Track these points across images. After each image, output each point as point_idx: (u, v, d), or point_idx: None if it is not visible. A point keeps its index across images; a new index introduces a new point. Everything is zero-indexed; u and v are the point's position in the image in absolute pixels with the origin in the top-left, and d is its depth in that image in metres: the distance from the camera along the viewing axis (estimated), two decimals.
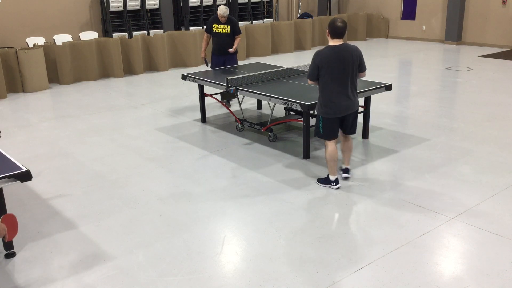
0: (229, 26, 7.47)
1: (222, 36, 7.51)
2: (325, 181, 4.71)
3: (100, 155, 5.76)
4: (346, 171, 4.85)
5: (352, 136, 5.01)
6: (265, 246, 3.68)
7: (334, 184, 4.63)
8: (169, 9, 13.23)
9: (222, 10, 7.36)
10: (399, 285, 3.17)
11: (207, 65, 7.96)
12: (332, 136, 4.57)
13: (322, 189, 4.63)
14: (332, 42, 4.39)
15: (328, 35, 4.41)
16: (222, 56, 7.60)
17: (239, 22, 13.83)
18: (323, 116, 4.50)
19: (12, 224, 3.28)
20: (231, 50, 7.49)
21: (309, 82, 4.53)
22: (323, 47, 4.51)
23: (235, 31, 7.51)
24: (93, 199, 4.59)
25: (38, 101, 8.60)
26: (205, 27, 7.82)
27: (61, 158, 5.72)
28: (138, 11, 12.60)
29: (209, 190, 4.69)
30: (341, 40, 4.39)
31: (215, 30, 7.53)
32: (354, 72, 4.41)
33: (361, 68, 4.48)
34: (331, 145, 4.59)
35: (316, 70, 4.39)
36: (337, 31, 4.32)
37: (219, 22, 7.48)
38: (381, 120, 6.73)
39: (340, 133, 4.71)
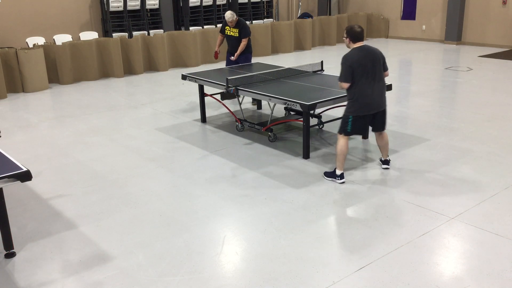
0: (237, 30, 7.56)
1: (232, 39, 7.66)
2: (331, 174, 4.82)
3: (100, 155, 5.76)
4: (386, 162, 5.05)
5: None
6: (265, 246, 3.68)
7: (339, 178, 4.73)
8: (169, 9, 13.23)
9: (227, 16, 7.48)
10: (399, 285, 3.17)
11: (216, 58, 8.13)
12: (360, 133, 4.80)
13: (322, 189, 4.63)
14: (355, 45, 4.60)
15: (349, 42, 4.62)
16: (230, 54, 7.76)
17: None
18: (355, 115, 4.62)
19: None
20: (232, 58, 7.65)
21: (344, 85, 4.56)
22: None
23: (241, 34, 7.56)
24: (93, 199, 4.59)
25: (38, 101, 8.60)
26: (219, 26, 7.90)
27: (61, 158, 5.72)
28: (138, 11, 12.61)
29: (209, 190, 4.69)
30: (362, 42, 4.62)
31: (227, 33, 7.70)
32: (381, 70, 4.62)
33: (385, 67, 4.70)
34: (344, 139, 4.72)
35: (351, 71, 4.49)
36: (358, 36, 4.59)
37: (229, 25, 7.62)
38: None
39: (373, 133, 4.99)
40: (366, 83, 4.52)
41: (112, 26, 12.18)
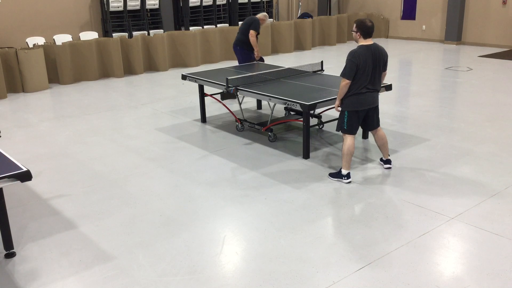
0: None
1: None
2: (336, 175, 4.81)
3: (100, 155, 5.76)
4: (388, 162, 5.06)
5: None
6: (265, 246, 3.68)
7: (346, 178, 4.74)
8: (169, 9, 13.23)
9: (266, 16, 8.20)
10: (399, 285, 3.17)
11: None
12: (354, 130, 4.75)
13: (322, 189, 4.63)
14: (365, 42, 4.59)
15: (358, 36, 4.59)
16: (252, 52, 8.11)
17: (239, 22, 13.92)
18: (350, 109, 4.65)
19: None
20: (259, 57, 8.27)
21: (345, 82, 4.53)
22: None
23: None
24: (93, 199, 4.59)
25: (38, 101, 8.60)
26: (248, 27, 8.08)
27: (61, 158, 5.72)
28: (138, 11, 12.61)
29: (209, 190, 4.69)
30: (371, 39, 4.62)
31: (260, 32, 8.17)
32: (381, 69, 4.67)
33: (385, 67, 4.73)
34: (350, 139, 4.73)
35: (355, 69, 4.49)
36: (368, 31, 4.57)
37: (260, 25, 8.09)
38: (381, 120, 6.72)
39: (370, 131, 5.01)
40: (362, 80, 4.54)
41: (112, 26, 12.18)
